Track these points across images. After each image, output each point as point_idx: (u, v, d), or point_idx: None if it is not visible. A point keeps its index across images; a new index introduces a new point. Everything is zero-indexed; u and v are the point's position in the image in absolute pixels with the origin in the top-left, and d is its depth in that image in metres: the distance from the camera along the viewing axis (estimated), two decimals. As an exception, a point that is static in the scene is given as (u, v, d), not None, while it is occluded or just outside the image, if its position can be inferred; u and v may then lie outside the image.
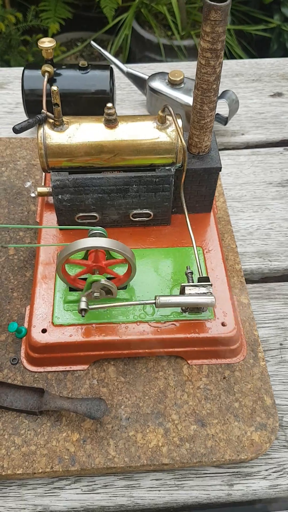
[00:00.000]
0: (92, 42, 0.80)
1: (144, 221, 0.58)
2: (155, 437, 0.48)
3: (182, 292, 0.50)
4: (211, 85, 0.47)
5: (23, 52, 1.65)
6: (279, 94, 0.88)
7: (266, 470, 0.49)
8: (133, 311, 0.52)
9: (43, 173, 0.65)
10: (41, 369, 0.52)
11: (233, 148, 0.80)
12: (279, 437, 0.50)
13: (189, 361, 0.52)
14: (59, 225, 0.57)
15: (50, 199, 0.60)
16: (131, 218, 0.57)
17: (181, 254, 0.56)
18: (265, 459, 0.49)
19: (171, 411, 0.50)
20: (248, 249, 0.65)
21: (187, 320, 0.51)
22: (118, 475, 0.48)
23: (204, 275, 0.55)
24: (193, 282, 0.51)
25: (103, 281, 0.48)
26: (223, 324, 0.51)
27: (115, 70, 0.80)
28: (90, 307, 0.48)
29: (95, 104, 0.71)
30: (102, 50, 0.80)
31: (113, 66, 0.76)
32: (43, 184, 0.63)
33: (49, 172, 0.53)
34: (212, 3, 0.41)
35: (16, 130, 0.50)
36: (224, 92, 0.76)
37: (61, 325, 0.51)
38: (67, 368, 0.52)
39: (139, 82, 0.81)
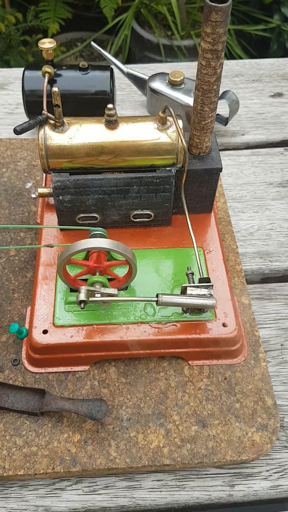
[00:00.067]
0: (92, 43, 0.80)
1: (145, 222, 0.58)
2: (156, 438, 0.48)
3: (183, 293, 0.50)
4: (212, 86, 0.47)
5: (23, 53, 1.65)
6: (279, 95, 0.88)
7: (267, 470, 0.49)
8: (134, 312, 0.52)
9: (44, 174, 0.65)
10: (42, 370, 0.52)
11: (234, 149, 0.80)
12: (280, 438, 0.50)
13: (190, 362, 0.52)
14: (59, 225, 0.57)
15: (51, 200, 0.60)
16: (132, 218, 0.57)
17: (182, 255, 0.56)
18: (266, 459, 0.49)
19: (172, 412, 0.50)
20: (249, 250, 0.65)
21: (188, 321, 0.51)
22: (119, 476, 0.48)
23: (205, 275, 0.55)
24: (194, 282, 0.51)
25: (102, 289, 0.47)
26: (224, 325, 0.51)
27: (115, 70, 0.80)
28: (90, 299, 0.47)
29: (95, 105, 0.71)
30: (102, 51, 0.80)
31: (113, 66, 0.76)
32: (43, 185, 0.63)
33: (50, 173, 0.53)
34: (213, 4, 0.41)
35: (17, 131, 0.50)
36: (225, 93, 0.76)
37: (62, 326, 0.51)
38: (68, 369, 0.52)
39: (139, 83, 0.81)
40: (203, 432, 0.48)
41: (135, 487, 0.48)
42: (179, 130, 0.50)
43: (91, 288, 0.47)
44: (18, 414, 0.49)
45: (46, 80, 0.63)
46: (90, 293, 0.48)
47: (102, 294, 0.48)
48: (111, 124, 0.51)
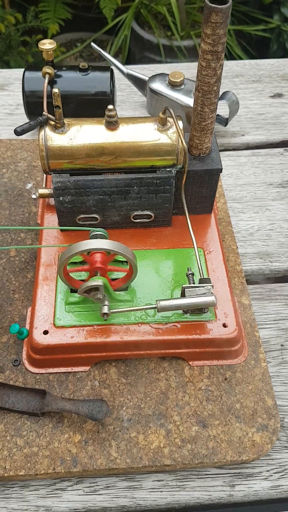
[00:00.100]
0: (93, 44, 0.81)
1: (145, 223, 0.58)
2: (157, 438, 0.48)
3: (183, 294, 0.50)
4: (212, 87, 0.47)
5: (23, 53, 1.65)
6: (279, 95, 0.88)
7: (268, 471, 0.49)
8: (134, 312, 0.52)
9: (44, 175, 0.65)
10: (42, 371, 0.52)
11: (234, 149, 0.80)
12: (281, 438, 0.50)
13: (190, 362, 0.53)
14: (60, 226, 0.57)
15: (51, 201, 0.61)
16: (132, 219, 0.57)
17: (182, 255, 0.57)
18: (267, 460, 0.49)
19: (172, 412, 0.50)
20: (249, 250, 0.65)
21: (189, 321, 0.51)
22: (120, 476, 0.48)
23: (205, 276, 0.55)
24: (194, 283, 0.51)
25: (97, 286, 0.48)
26: (224, 325, 0.51)
27: (115, 71, 0.80)
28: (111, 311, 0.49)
29: (95, 106, 0.71)
30: (102, 52, 0.80)
31: (113, 67, 0.76)
32: (44, 185, 0.63)
33: (50, 174, 0.53)
34: (213, 5, 0.41)
35: (18, 132, 0.50)
36: (224, 93, 0.77)
37: (62, 327, 0.51)
38: (69, 369, 0.52)
39: (139, 84, 0.81)
40: (204, 432, 0.48)
41: (136, 487, 0.48)
42: (179, 131, 0.50)
43: (96, 279, 0.48)
44: (19, 415, 0.49)
45: (46, 81, 0.63)
46: (92, 295, 0.48)
47: (103, 294, 0.49)
48: (112, 125, 0.51)
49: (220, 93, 0.76)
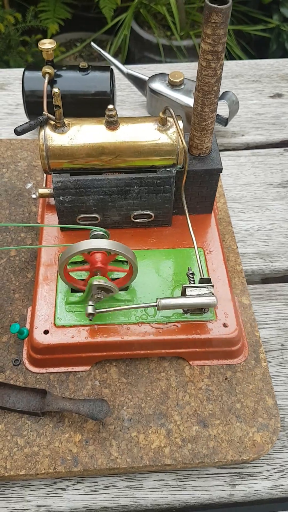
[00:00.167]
0: (92, 44, 0.81)
1: (145, 222, 0.58)
2: (158, 438, 0.48)
3: (183, 293, 0.50)
4: (212, 87, 0.47)
5: (22, 53, 1.65)
6: (279, 95, 0.88)
7: (268, 470, 0.49)
8: (134, 312, 0.52)
9: (44, 175, 0.65)
10: (43, 370, 0.52)
11: (233, 149, 0.80)
12: (281, 438, 0.50)
13: (191, 362, 0.53)
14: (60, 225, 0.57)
15: (51, 201, 0.61)
16: (132, 219, 0.57)
17: (182, 255, 0.57)
18: (267, 459, 0.49)
19: (173, 412, 0.50)
20: (249, 250, 0.65)
21: (189, 321, 0.51)
22: (120, 475, 0.48)
23: (206, 276, 0.55)
24: (194, 283, 0.51)
25: (102, 281, 0.48)
26: (224, 325, 0.51)
27: (115, 71, 0.80)
28: (96, 310, 0.49)
29: (95, 106, 0.71)
30: (102, 51, 0.80)
31: (113, 67, 0.76)
32: (44, 185, 0.63)
33: (50, 174, 0.53)
34: (213, 5, 0.41)
35: (18, 132, 0.50)
36: (224, 93, 0.77)
37: (63, 326, 0.51)
38: (69, 369, 0.52)
39: (139, 83, 0.82)
40: (204, 432, 0.49)
41: (137, 487, 0.48)
42: (180, 131, 0.50)
43: (96, 279, 0.48)
44: (20, 414, 0.49)
45: (46, 80, 0.63)
46: (96, 299, 0.49)
47: (103, 293, 0.49)
48: (112, 124, 0.51)
49: (220, 93, 0.76)
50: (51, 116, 0.51)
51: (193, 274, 0.51)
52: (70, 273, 0.51)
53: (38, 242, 0.59)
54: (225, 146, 0.80)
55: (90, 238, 0.51)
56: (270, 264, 0.64)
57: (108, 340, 0.51)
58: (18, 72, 0.91)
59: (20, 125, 0.51)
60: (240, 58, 1.61)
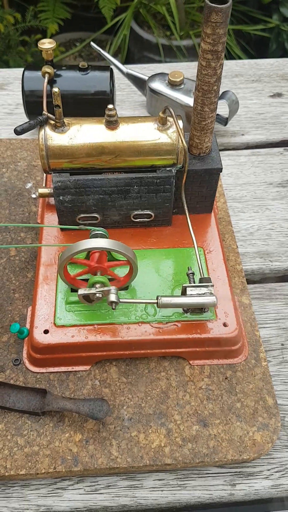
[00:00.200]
0: (92, 43, 0.81)
1: (145, 222, 0.58)
2: (158, 438, 0.48)
3: (183, 293, 0.50)
4: (212, 86, 0.47)
5: (22, 53, 1.65)
6: (278, 95, 0.88)
7: (268, 470, 0.49)
8: (134, 311, 0.52)
9: (44, 174, 0.65)
10: (43, 370, 0.52)
11: (233, 149, 0.80)
12: (281, 437, 0.50)
13: (191, 362, 0.53)
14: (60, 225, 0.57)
15: (51, 200, 0.61)
16: (132, 219, 0.57)
17: (182, 255, 0.57)
18: (267, 459, 0.49)
19: (173, 411, 0.50)
20: (249, 250, 0.65)
21: (189, 321, 0.52)
22: (120, 475, 0.48)
23: (206, 275, 0.55)
24: (194, 282, 0.51)
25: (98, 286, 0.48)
26: (224, 325, 0.51)
27: (115, 71, 0.80)
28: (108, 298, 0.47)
29: (95, 105, 0.71)
30: (102, 51, 0.80)
31: (112, 67, 0.76)
32: (44, 185, 0.63)
33: (50, 173, 0.53)
34: (213, 5, 0.41)
35: (18, 131, 0.50)
36: (224, 93, 0.77)
37: (63, 326, 0.51)
38: (69, 368, 0.52)
39: (139, 83, 0.82)
40: (204, 431, 0.49)
41: (137, 487, 0.48)
42: (180, 131, 0.50)
43: (97, 278, 0.48)
44: (20, 414, 0.49)
45: (46, 80, 0.63)
46: (92, 295, 0.48)
47: (103, 294, 0.49)
48: (112, 124, 0.51)
49: (220, 92, 0.76)
50: (51, 115, 0.51)
51: (193, 273, 0.51)
52: (70, 271, 0.51)
53: (38, 241, 0.59)
54: (225, 146, 0.80)
55: (90, 238, 0.51)
56: (270, 263, 0.64)
57: (108, 339, 0.51)
58: (17, 72, 0.91)
59: (20, 125, 0.51)
60: (239, 58, 1.61)
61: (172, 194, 0.55)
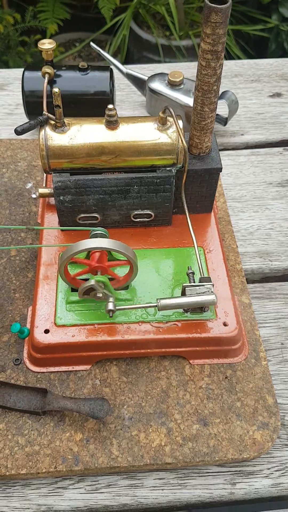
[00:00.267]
0: (92, 44, 0.81)
1: (145, 222, 0.58)
2: (158, 437, 0.48)
3: (183, 292, 0.50)
4: (212, 86, 0.47)
5: (22, 53, 1.65)
6: (278, 95, 0.88)
7: (269, 469, 0.49)
8: (135, 311, 0.52)
9: (44, 174, 0.65)
10: (43, 370, 0.52)
11: (233, 149, 0.80)
12: (281, 436, 0.51)
13: (191, 361, 0.53)
14: (60, 226, 0.57)
15: (51, 200, 0.61)
16: (132, 218, 0.57)
17: (182, 255, 0.57)
18: (267, 458, 0.49)
19: (173, 410, 0.50)
20: (249, 249, 0.66)
21: (189, 320, 0.52)
22: (121, 474, 0.48)
23: (206, 275, 0.55)
24: (194, 282, 0.51)
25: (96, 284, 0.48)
26: (224, 324, 0.52)
27: (115, 71, 0.80)
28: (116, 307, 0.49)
29: (95, 105, 0.71)
30: (102, 51, 0.80)
31: (112, 67, 0.76)
32: (44, 185, 0.63)
33: (51, 174, 0.53)
34: (213, 5, 0.41)
35: (18, 131, 0.50)
36: (224, 93, 0.77)
37: (63, 326, 0.51)
38: (70, 368, 0.52)
39: (139, 83, 0.82)
40: (205, 430, 0.49)
41: (137, 486, 0.48)
42: (179, 130, 0.50)
43: (97, 278, 0.48)
44: (20, 414, 0.50)
45: (46, 80, 0.63)
46: (94, 294, 0.48)
47: (103, 294, 0.49)
48: (112, 124, 0.51)
49: (219, 92, 0.76)
50: (51, 116, 0.51)
51: (193, 273, 0.51)
52: (70, 271, 0.51)
53: (38, 241, 0.59)
54: (224, 146, 0.80)
55: (90, 238, 0.51)
56: (270, 263, 0.64)
57: (109, 339, 0.51)
58: (17, 72, 0.91)
59: (20, 125, 0.51)
60: (239, 58, 1.61)
61: (172, 194, 0.55)
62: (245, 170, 0.75)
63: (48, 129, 0.51)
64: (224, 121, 0.80)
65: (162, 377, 0.52)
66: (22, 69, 0.74)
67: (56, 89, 0.48)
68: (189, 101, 0.74)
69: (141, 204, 0.56)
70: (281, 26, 1.59)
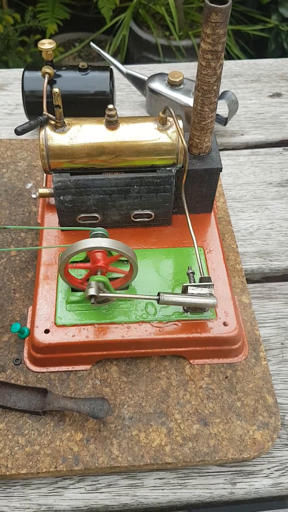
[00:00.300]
0: (92, 44, 0.81)
1: (145, 222, 0.58)
2: (158, 437, 0.48)
3: (184, 292, 0.50)
4: (212, 86, 0.47)
5: (21, 53, 1.65)
6: (278, 95, 0.88)
7: (269, 468, 0.49)
8: (135, 311, 0.52)
9: (44, 174, 0.65)
10: (44, 370, 0.52)
11: (233, 149, 0.80)
12: (281, 436, 0.51)
13: (191, 361, 0.53)
14: (60, 225, 0.58)
15: (51, 200, 0.61)
16: (132, 218, 0.57)
17: (182, 254, 0.57)
18: (268, 457, 0.50)
19: (173, 410, 0.50)
20: (249, 249, 0.66)
21: (189, 320, 0.52)
22: (121, 474, 0.48)
23: (206, 275, 0.55)
24: (194, 282, 0.51)
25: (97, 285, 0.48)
26: (225, 324, 0.52)
27: (115, 71, 0.80)
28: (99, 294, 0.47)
29: (95, 105, 0.72)
30: (102, 51, 0.80)
31: (112, 67, 0.76)
32: (44, 185, 0.63)
33: (51, 174, 0.53)
34: (213, 5, 0.41)
35: (18, 132, 0.50)
36: (224, 93, 0.77)
37: (63, 326, 0.51)
38: (70, 368, 0.52)
39: (139, 83, 0.82)
40: (205, 430, 0.49)
41: (138, 485, 0.48)
42: (180, 131, 0.51)
43: (97, 278, 0.48)
44: (21, 413, 0.50)
45: (46, 80, 0.63)
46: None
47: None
48: (112, 124, 0.51)
49: (219, 92, 0.76)
50: (51, 116, 0.51)
51: (193, 273, 0.51)
52: (71, 270, 0.52)
53: (38, 241, 0.59)
54: (224, 146, 0.80)
55: (90, 238, 0.51)
56: (270, 263, 0.64)
57: (109, 339, 0.51)
58: (17, 72, 0.91)
59: (21, 125, 0.51)
60: (238, 58, 1.61)
61: (172, 194, 0.55)
62: (245, 170, 0.76)
63: (48, 129, 0.51)
64: (224, 121, 0.80)
65: (162, 377, 0.52)
66: (22, 69, 0.74)
67: (56, 89, 0.48)
68: (189, 101, 0.74)
69: (141, 204, 0.56)
70: (281, 26, 1.59)
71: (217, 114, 0.80)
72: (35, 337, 0.51)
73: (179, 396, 0.51)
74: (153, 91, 0.77)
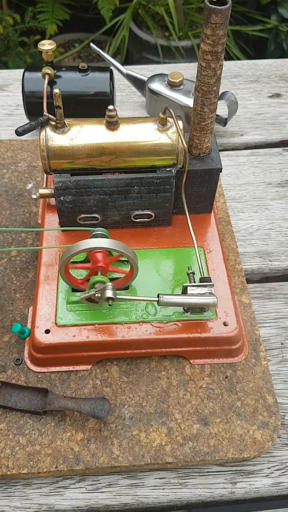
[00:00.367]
0: (92, 44, 0.81)
1: (146, 222, 0.58)
2: (159, 436, 0.48)
3: (184, 292, 0.50)
4: (212, 87, 0.47)
5: (21, 54, 1.66)
6: (277, 95, 0.88)
7: (269, 468, 0.49)
8: (135, 311, 0.52)
9: (44, 175, 0.65)
10: (44, 370, 0.52)
11: (233, 149, 0.81)
12: (281, 436, 0.51)
13: (191, 361, 0.53)
14: (60, 226, 0.58)
15: (52, 201, 0.61)
16: (133, 219, 0.57)
17: (182, 255, 0.57)
18: (268, 457, 0.50)
19: (174, 410, 0.50)
20: (249, 249, 0.66)
21: (189, 320, 0.52)
22: (122, 474, 0.48)
23: (206, 275, 0.55)
24: (194, 282, 0.51)
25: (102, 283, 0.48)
26: (225, 324, 0.52)
27: (115, 71, 0.80)
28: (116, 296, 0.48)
29: (95, 106, 0.72)
30: (102, 52, 0.81)
31: (112, 68, 0.76)
32: (44, 185, 0.63)
33: (51, 174, 0.54)
34: (213, 6, 0.41)
35: (19, 132, 0.50)
36: (223, 93, 0.77)
37: (64, 326, 0.51)
38: (71, 368, 0.52)
39: (139, 84, 0.82)
40: (205, 430, 0.49)
41: (138, 485, 0.48)
42: (179, 131, 0.51)
43: (98, 278, 0.48)
44: (21, 413, 0.50)
45: (46, 81, 0.63)
46: (93, 295, 0.48)
47: (102, 294, 0.49)
48: (112, 125, 0.51)
49: (219, 93, 0.76)
50: (51, 116, 0.51)
51: (193, 273, 0.52)
52: (71, 270, 0.52)
53: (39, 241, 0.59)
54: (224, 146, 0.80)
55: (90, 238, 0.51)
56: (270, 263, 0.64)
57: (109, 339, 0.51)
58: (17, 73, 0.91)
59: (21, 126, 0.51)
60: (238, 59, 1.61)
61: (172, 194, 0.55)
62: (245, 171, 0.76)
63: (48, 130, 0.51)
64: (223, 121, 0.80)
65: (163, 377, 0.52)
66: (22, 70, 0.75)
67: (56, 90, 0.48)
68: (188, 101, 0.74)
69: (141, 205, 0.56)
70: (280, 27, 1.59)
71: (217, 115, 0.80)
72: (35, 337, 0.51)
73: (179, 396, 0.51)
74: (153, 91, 0.78)
